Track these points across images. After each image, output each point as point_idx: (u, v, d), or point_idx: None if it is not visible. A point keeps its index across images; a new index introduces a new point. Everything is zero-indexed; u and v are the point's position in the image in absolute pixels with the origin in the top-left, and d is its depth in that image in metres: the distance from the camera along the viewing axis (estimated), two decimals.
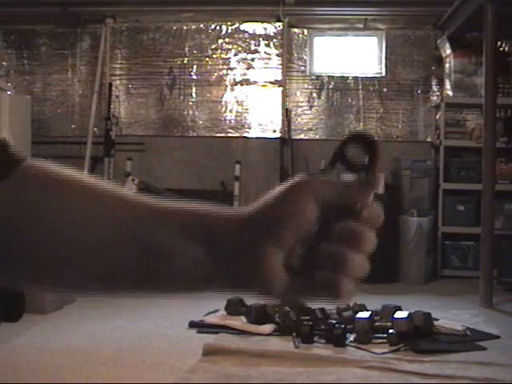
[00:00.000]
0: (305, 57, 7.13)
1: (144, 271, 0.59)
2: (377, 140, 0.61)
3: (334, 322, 4.24)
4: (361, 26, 7.10)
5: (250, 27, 7.13)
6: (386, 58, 7.05)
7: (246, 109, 7.15)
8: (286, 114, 7.05)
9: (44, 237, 0.60)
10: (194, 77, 7.18)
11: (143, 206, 0.60)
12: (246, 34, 7.14)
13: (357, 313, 4.34)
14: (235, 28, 7.13)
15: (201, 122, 7.19)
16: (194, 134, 7.18)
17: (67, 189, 0.61)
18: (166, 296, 0.63)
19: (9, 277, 0.63)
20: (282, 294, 0.57)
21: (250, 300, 4.72)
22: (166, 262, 0.58)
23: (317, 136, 7.14)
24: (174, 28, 7.17)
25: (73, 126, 7.23)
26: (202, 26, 7.15)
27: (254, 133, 7.13)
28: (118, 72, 7.22)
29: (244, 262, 0.56)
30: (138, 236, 0.59)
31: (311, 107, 7.13)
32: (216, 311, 4.73)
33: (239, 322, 4.43)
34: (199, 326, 4.47)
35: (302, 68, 7.14)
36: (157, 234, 0.58)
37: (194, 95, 7.18)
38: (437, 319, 4.42)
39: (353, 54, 7.14)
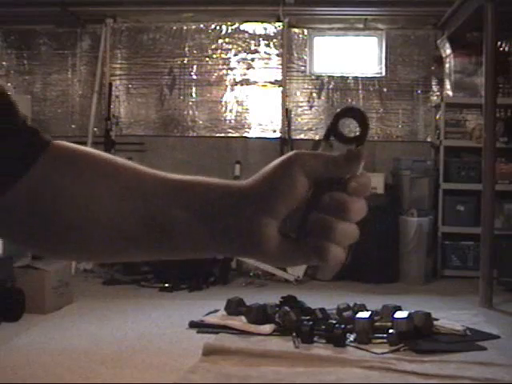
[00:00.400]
0: (305, 57, 7.13)
1: (155, 238, 0.68)
2: (365, 113, 0.67)
3: (334, 322, 4.24)
4: (361, 26, 7.11)
5: (249, 27, 7.13)
6: (386, 58, 7.06)
7: (246, 109, 7.15)
8: (286, 113, 7.05)
9: (73, 212, 0.67)
10: (194, 77, 7.18)
11: (158, 182, 0.68)
12: (246, 34, 7.14)
13: (357, 313, 4.34)
14: (235, 28, 7.14)
15: (201, 122, 7.19)
16: (194, 134, 7.18)
17: (92, 167, 0.69)
18: (171, 257, 0.73)
19: (47, 249, 0.72)
20: (277, 258, 0.65)
21: (251, 300, 4.73)
22: (172, 231, 0.67)
23: (317, 136, 7.14)
24: (174, 28, 7.17)
25: (73, 126, 7.23)
26: (201, 26, 7.16)
27: (254, 133, 7.13)
28: (118, 72, 7.23)
29: (242, 230, 0.64)
30: (152, 208, 0.67)
31: (311, 107, 7.14)
32: (216, 311, 4.73)
33: (239, 321, 4.43)
34: (199, 326, 4.47)
35: (302, 68, 7.14)
36: (168, 206, 0.66)
37: (194, 95, 7.18)
38: (437, 319, 4.42)
39: (353, 54, 7.14)
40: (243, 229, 0.64)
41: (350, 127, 0.65)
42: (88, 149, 0.71)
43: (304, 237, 0.63)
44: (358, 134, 0.67)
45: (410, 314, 4.19)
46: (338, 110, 0.67)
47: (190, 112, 7.19)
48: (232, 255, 0.72)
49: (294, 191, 0.63)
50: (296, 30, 7.13)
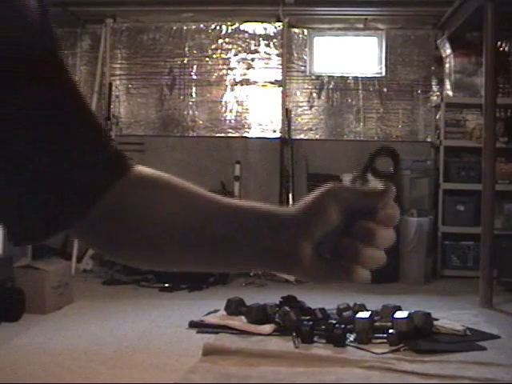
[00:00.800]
0: (305, 57, 7.13)
1: (215, 255, 0.78)
2: (398, 153, 0.76)
3: (334, 322, 4.24)
4: (361, 26, 7.11)
5: (249, 27, 7.13)
6: (386, 58, 7.06)
7: (246, 109, 7.15)
8: (286, 113, 7.05)
9: (151, 226, 0.77)
10: (194, 77, 7.18)
11: (221, 205, 0.78)
12: (246, 34, 7.14)
13: (357, 313, 4.34)
14: (235, 28, 7.14)
15: (201, 122, 7.19)
16: (194, 134, 7.18)
17: (167, 188, 0.78)
18: (221, 270, 0.89)
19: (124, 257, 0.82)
20: (312, 277, 0.76)
21: (251, 300, 4.73)
22: (228, 249, 0.77)
23: (317, 136, 7.14)
24: (174, 28, 7.17)
25: None
26: (202, 25, 7.16)
27: (254, 133, 7.13)
28: (118, 72, 7.23)
29: (284, 251, 0.74)
30: (216, 228, 0.76)
31: (311, 107, 7.14)
32: (216, 311, 4.73)
33: (239, 322, 4.43)
34: (199, 326, 4.47)
35: (302, 68, 7.14)
36: (227, 226, 0.76)
37: (194, 95, 7.19)
38: (437, 319, 4.42)
39: (353, 54, 7.14)
40: (284, 249, 0.74)
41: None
42: (166, 175, 0.80)
43: (337, 259, 0.74)
44: (391, 170, 0.75)
45: (409, 314, 4.19)
46: (374, 150, 0.76)
47: (190, 112, 7.19)
48: (272, 271, 0.87)
49: (327, 220, 0.73)
50: (296, 30, 7.13)
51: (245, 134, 7.13)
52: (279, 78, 7.11)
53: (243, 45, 7.14)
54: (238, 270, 0.86)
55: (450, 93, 6.72)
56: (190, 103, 7.19)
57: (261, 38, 7.13)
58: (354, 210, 0.73)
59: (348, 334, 4.15)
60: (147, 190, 0.78)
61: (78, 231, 0.77)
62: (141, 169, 0.80)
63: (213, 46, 7.16)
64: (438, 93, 7.01)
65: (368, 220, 0.72)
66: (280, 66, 7.11)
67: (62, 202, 0.73)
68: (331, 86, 7.11)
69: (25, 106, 0.68)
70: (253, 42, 7.14)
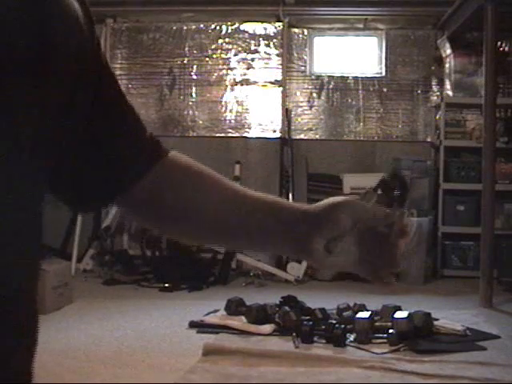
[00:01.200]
0: (305, 57, 7.13)
1: (245, 235, 0.95)
2: (407, 180, 1.01)
3: (334, 321, 4.24)
4: (361, 26, 7.11)
5: (249, 27, 7.13)
6: (386, 58, 7.06)
7: (246, 109, 7.15)
8: (286, 114, 7.05)
9: (185, 207, 0.92)
10: (194, 77, 7.18)
11: (248, 196, 0.94)
12: (246, 34, 7.14)
13: (357, 313, 4.34)
14: (235, 28, 7.14)
15: (201, 122, 7.19)
16: (194, 134, 7.18)
17: (197, 176, 0.92)
18: (249, 249, 1.07)
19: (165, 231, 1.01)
20: (320, 264, 0.95)
21: (251, 300, 4.73)
22: (261, 233, 0.94)
23: (317, 136, 7.14)
24: (174, 28, 7.17)
25: None
26: (202, 25, 7.16)
27: (253, 133, 7.13)
28: (118, 72, 7.22)
29: (300, 241, 0.92)
30: (244, 215, 0.93)
31: (311, 107, 7.13)
32: (216, 311, 4.73)
33: (239, 322, 4.43)
34: (199, 326, 4.47)
35: (302, 68, 7.14)
36: (253, 215, 0.93)
37: (194, 95, 7.19)
38: (437, 319, 4.42)
39: (353, 54, 7.14)
40: (301, 240, 0.91)
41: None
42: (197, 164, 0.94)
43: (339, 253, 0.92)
44: (399, 194, 0.94)
45: (410, 314, 4.19)
46: (385, 175, 0.96)
47: (190, 112, 7.19)
48: (288, 255, 1.12)
49: (338, 225, 0.90)
50: (296, 30, 7.13)
51: (245, 134, 7.13)
52: (279, 78, 7.11)
53: (243, 45, 7.14)
54: (260, 250, 1.10)
55: (450, 93, 6.72)
56: (190, 103, 7.19)
57: (261, 38, 7.13)
58: (366, 222, 0.91)
59: (348, 334, 4.15)
60: (179, 174, 0.91)
61: (127, 202, 0.90)
62: (175, 154, 0.93)
63: (213, 46, 7.16)
64: (438, 93, 7.01)
65: (383, 231, 0.92)
66: (280, 66, 7.11)
67: (120, 174, 0.86)
68: (331, 86, 7.11)
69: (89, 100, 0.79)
70: (253, 41, 7.14)
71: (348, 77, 7.09)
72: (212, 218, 0.92)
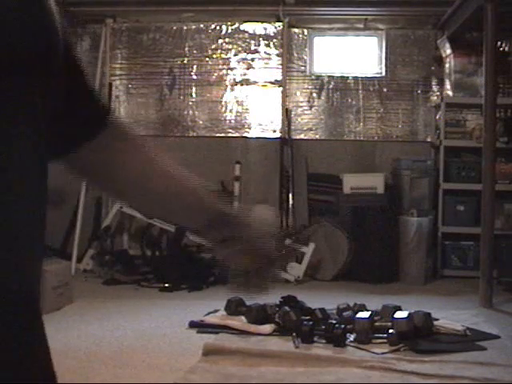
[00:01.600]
0: (305, 57, 7.13)
1: (178, 210, 1.15)
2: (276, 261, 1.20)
3: (334, 321, 4.23)
4: (361, 26, 7.11)
5: (249, 27, 7.13)
6: (386, 58, 7.06)
7: (246, 109, 7.15)
8: (286, 113, 7.05)
9: (125, 178, 1.08)
10: (194, 77, 7.18)
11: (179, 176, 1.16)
12: (246, 34, 7.14)
13: (357, 313, 4.34)
14: (235, 28, 7.14)
15: (201, 122, 7.19)
16: (194, 134, 7.18)
17: (141, 146, 1.14)
18: (178, 223, 1.45)
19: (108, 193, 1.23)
20: (213, 249, 1.21)
21: (251, 300, 4.72)
22: (185, 208, 1.14)
23: (317, 136, 7.14)
24: (174, 28, 7.17)
25: None
26: (201, 25, 7.16)
27: (253, 133, 7.13)
28: (118, 72, 7.23)
29: (205, 225, 1.13)
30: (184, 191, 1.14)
31: (311, 107, 7.14)
32: (216, 311, 4.73)
33: (239, 322, 4.43)
34: (199, 326, 4.47)
35: (302, 68, 7.14)
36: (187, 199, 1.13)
37: (194, 95, 7.19)
38: (437, 319, 4.42)
39: (353, 54, 7.14)
40: (208, 225, 1.13)
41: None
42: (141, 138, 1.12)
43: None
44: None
45: (410, 314, 4.19)
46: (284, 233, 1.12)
47: (190, 112, 7.19)
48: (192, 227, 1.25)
49: (234, 236, 1.13)
50: (296, 30, 7.13)
51: (245, 134, 7.13)
52: (279, 77, 7.11)
53: (243, 45, 7.14)
54: (176, 220, 1.31)
55: (450, 93, 6.72)
56: (190, 103, 7.19)
57: (261, 38, 7.13)
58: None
59: (348, 334, 4.14)
60: (121, 145, 1.05)
61: (76, 160, 1.01)
62: (120, 123, 1.05)
63: (213, 46, 7.16)
64: (438, 93, 7.01)
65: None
66: (280, 66, 7.11)
67: (76, 131, 0.98)
68: (331, 86, 7.11)
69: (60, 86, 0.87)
70: (253, 41, 7.14)
71: (348, 77, 7.09)
72: (140, 180, 1.10)
